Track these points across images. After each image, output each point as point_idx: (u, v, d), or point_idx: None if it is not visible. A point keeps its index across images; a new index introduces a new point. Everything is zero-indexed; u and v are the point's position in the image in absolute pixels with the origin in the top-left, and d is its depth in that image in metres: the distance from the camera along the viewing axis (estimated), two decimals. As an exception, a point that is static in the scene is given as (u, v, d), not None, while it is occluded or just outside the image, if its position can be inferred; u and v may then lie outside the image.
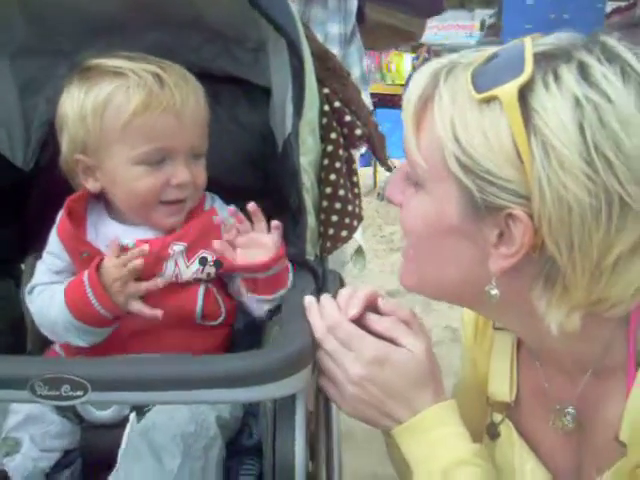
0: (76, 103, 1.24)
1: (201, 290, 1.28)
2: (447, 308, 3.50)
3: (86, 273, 1.19)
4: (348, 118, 1.42)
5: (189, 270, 1.26)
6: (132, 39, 1.54)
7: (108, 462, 1.05)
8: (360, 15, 2.54)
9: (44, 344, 1.47)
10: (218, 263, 1.27)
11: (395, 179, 1.06)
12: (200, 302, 1.27)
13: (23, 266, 1.58)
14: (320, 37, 2.46)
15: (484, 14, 12.78)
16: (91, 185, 1.29)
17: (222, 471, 1.13)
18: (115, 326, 1.23)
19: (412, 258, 1.04)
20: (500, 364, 1.17)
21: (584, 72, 0.82)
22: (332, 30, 2.46)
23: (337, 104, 1.42)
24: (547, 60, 0.84)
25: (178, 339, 1.25)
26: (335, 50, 2.49)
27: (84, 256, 1.26)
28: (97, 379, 0.90)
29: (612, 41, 0.86)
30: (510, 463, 1.12)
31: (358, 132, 1.42)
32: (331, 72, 1.44)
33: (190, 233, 1.28)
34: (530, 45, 0.87)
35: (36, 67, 1.49)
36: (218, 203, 1.38)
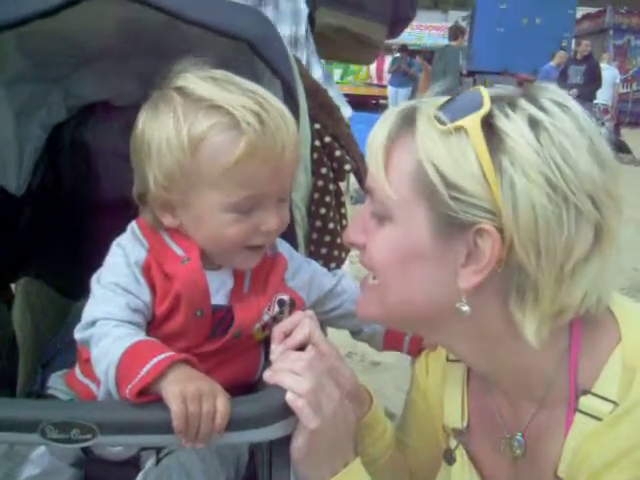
0: (166, 132, 1.11)
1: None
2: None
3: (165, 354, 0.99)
4: (338, 153, 1.47)
5: (267, 315, 1.21)
6: (123, 65, 1.57)
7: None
8: (310, 23, 2.51)
9: (35, 368, 1.50)
10: (293, 302, 1.24)
11: (354, 223, 1.14)
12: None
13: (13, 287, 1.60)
14: None
15: (458, 16, 12.86)
16: (169, 221, 1.17)
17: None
18: None
19: (374, 287, 1.10)
20: (452, 393, 1.26)
21: (533, 100, 0.98)
22: (283, 32, 2.43)
23: (327, 139, 1.47)
24: (500, 98, 0.99)
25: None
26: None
27: (197, 315, 1.15)
28: (105, 423, 0.94)
29: (551, 86, 1.03)
30: None
31: (347, 167, 1.47)
32: (322, 107, 1.49)
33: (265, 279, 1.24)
34: (484, 89, 1.01)
35: (30, 93, 1.51)
36: (280, 246, 1.30)
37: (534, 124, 0.95)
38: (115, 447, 1.15)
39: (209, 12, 1.25)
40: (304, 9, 2.46)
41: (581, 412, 1.03)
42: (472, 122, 0.96)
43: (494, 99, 0.99)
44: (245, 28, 1.25)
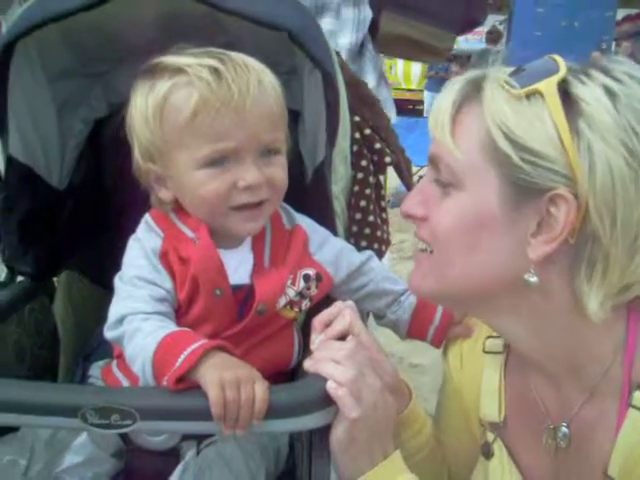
0: (139, 105, 1.15)
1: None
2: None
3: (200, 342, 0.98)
4: (378, 145, 1.45)
5: (292, 290, 1.21)
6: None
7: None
8: (373, 27, 2.40)
9: (75, 359, 1.52)
10: (319, 277, 1.23)
11: (412, 195, 1.09)
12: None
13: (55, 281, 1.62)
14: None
15: (494, 20, 12.70)
16: (164, 194, 1.19)
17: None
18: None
19: (433, 260, 1.06)
20: (490, 386, 1.22)
21: (607, 72, 0.96)
22: (343, 41, 2.33)
23: (367, 131, 1.45)
24: (572, 68, 0.97)
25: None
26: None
27: (217, 295, 1.14)
28: (146, 409, 0.94)
29: (620, 58, 1.01)
30: None
31: (387, 159, 1.45)
32: (362, 100, 1.48)
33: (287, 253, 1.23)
34: (558, 57, 0.99)
35: (72, 88, 1.53)
36: (299, 219, 1.29)
37: (609, 92, 0.93)
38: (156, 437, 1.15)
39: (248, 2, 1.24)
40: (368, 15, 2.37)
41: (635, 408, 0.99)
42: (548, 85, 0.94)
43: (568, 66, 0.97)
44: (285, 18, 1.24)
